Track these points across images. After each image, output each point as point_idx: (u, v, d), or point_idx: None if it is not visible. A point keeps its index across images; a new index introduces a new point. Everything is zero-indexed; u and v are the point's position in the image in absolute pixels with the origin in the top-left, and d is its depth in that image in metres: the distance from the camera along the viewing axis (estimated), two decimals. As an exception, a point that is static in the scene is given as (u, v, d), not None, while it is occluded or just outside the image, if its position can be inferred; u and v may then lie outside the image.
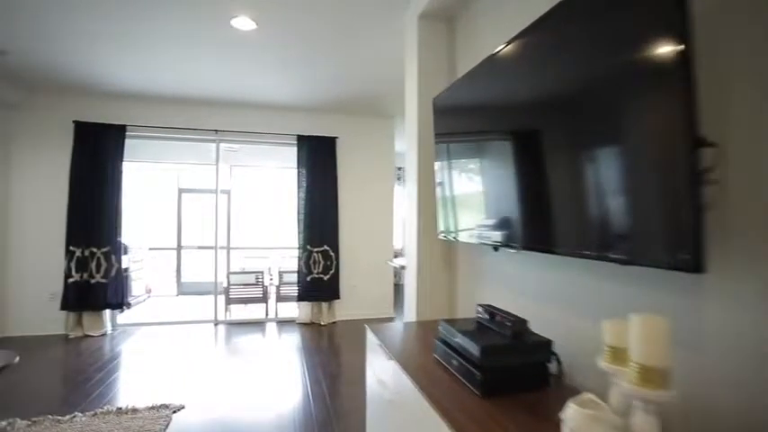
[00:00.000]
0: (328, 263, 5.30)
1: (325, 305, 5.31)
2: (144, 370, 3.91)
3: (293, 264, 7.16)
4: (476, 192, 1.91)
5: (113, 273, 4.91)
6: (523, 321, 1.40)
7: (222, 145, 5.54)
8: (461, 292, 2.42)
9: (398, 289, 6.07)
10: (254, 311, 5.79)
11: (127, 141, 5.08)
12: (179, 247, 7.87)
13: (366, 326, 2.19)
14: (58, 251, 4.83)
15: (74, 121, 4.86)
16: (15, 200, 4.90)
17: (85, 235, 4.82)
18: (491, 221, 1.77)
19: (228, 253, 7.91)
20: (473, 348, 1.33)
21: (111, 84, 4.61)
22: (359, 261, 5.64)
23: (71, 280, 4.76)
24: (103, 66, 4.11)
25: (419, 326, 2.24)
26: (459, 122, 2.13)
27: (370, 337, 2.10)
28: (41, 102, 4.94)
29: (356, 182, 5.70)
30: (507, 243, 1.65)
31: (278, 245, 8.31)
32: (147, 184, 8.17)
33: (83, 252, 4.80)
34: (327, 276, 5.29)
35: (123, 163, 5.04)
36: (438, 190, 2.27)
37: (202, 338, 4.90)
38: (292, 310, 5.65)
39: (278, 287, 5.63)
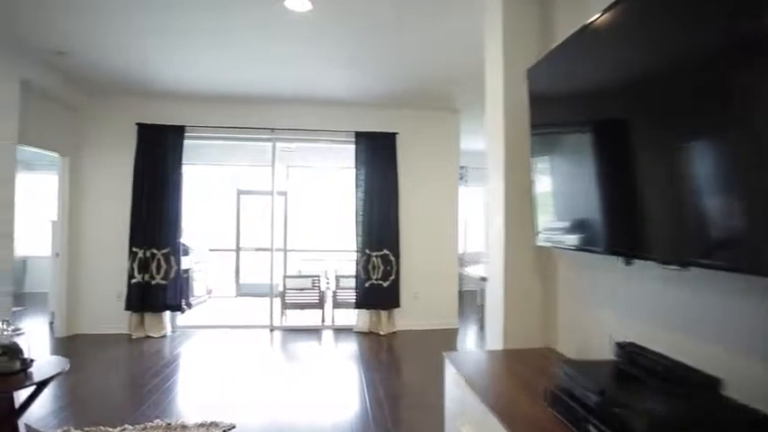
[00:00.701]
0: (388, 268, 4.93)
1: (384, 314, 4.94)
2: (198, 378, 3.76)
3: (351, 268, 6.89)
4: (605, 184, 1.41)
5: (173, 274, 4.86)
6: (715, 382, 0.91)
7: (278, 144, 5.36)
8: (564, 314, 1.91)
9: (463, 297, 5.57)
10: (310, 317, 5.56)
11: (186, 142, 5.04)
12: (237, 249, 7.89)
13: (444, 355, 1.77)
14: (124, 252, 4.86)
15: (137, 123, 4.89)
16: (86, 200, 5.01)
17: (147, 236, 4.81)
18: (629, 224, 1.27)
19: (285, 255, 7.84)
20: (635, 420, 0.87)
21: (170, 85, 4.56)
22: (420, 267, 5.22)
23: (134, 281, 4.78)
24: (161, 65, 4.04)
25: (511, 357, 1.78)
26: (566, 103, 1.65)
27: (451, 371, 1.67)
28: (107, 104, 5.02)
29: (418, 181, 5.28)
30: (667, 256, 1.15)
31: (335, 248, 8.11)
32: (207, 186, 8.29)
33: (144, 253, 4.80)
34: (387, 283, 4.91)
35: (183, 164, 5.00)
36: (538, 186, 1.80)
37: (258, 345, 4.72)
38: (349, 317, 5.35)
39: (335, 293, 5.35)
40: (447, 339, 4.95)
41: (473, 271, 5.66)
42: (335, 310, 5.36)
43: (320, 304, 5.32)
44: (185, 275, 6.60)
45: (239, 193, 7.89)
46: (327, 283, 5.82)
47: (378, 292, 4.91)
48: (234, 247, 7.89)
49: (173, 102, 5.02)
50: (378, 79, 4.34)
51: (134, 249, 4.79)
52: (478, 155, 7.86)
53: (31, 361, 2.39)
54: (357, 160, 5.07)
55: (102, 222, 5.01)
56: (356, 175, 5.07)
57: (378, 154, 5.03)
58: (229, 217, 7.97)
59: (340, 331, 5.19)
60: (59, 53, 3.76)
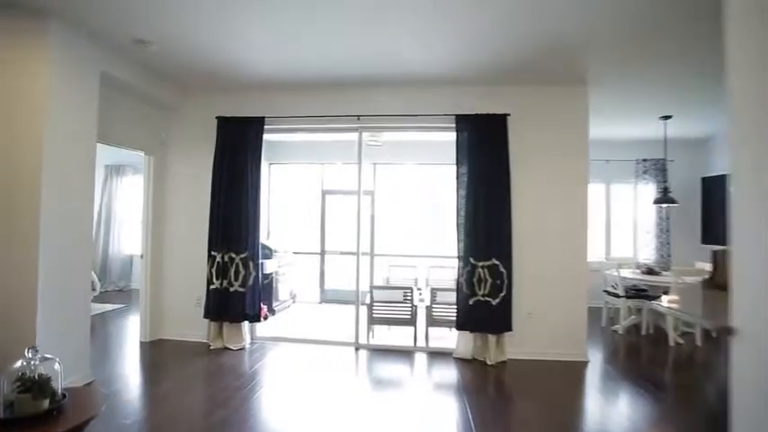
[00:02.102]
0: (498, 282, 3.96)
1: (492, 338, 3.98)
2: (275, 404, 3.20)
3: (446, 275, 6.03)
4: None
5: (251, 281, 4.41)
6: None
7: (365, 139, 4.68)
8: None
9: (590, 317, 4.39)
10: (400, 335, 4.80)
11: (267, 138, 4.58)
12: (322, 252, 7.44)
13: None
14: (205, 255, 4.53)
15: (216, 118, 4.53)
16: (170, 199, 4.79)
17: (224, 239, 4.42)
18: None
19: (372, 261, 7.21)
20: None
21: (250, 73, 4.12)
22: (538, 281, 4.17)
23: (212, 287, 4.41)
24: (242, 51, 3.64)
25: None
26: None
27: None
28: (189, 99, 4.75)
29: (535, 174, 4.24)
30: None
31: (427, 253, 7.29)
32: (291, 187, 7.99)
33: (222, 257, 4.41)
34: (497, 300, 3.95)
35: (262, 161, 4.55)
36: None
37: (341, 366, 4.06)
38: (447, 338, 4.48)
39: (430, 308, 4.51)
40: (573, 376, 3.85)
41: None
42: (430, 328, 4.52)
43: (412, 321, 4.53)
44: (267, 280, 6.26)
45: (324, 193, 7.44)
46: (421, 295, 5.01)
47: (484, 310, 3.96)
48: (318, 251, 7.45)
49: (252, 92, 4.60)
50: (484, 47, 3.43)
51: (212, 253, 4.43)
52: (603, 145, 6.12)
53: (64, 396, 1.90)
54: (458, 150, 4.19)
55: (184, 223, 4.76)
56: (457, 167, 4.19)
57: (484, 141, 4.09)
58: (314, 218, 7.55)
59: (435, 355, 4.34)
60: (138, 42, 3.45)
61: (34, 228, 2.98)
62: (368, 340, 4.60)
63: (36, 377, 1.81)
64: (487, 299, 3.94)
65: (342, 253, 7.41)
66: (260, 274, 4.51)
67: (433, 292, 4.51)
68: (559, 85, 4.21)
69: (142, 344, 4.57)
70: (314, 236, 7.51)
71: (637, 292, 5.27)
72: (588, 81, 4.15)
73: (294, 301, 7.21)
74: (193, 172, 4.71)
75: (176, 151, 4.80)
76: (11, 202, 3.03)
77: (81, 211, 3.39)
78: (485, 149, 4.07)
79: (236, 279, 4.38)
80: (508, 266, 3.98)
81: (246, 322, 4.49)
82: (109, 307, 6.40)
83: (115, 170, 8.05)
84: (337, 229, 7.56)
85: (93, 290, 6.45)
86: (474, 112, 4.15)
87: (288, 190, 7.92)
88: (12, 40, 3.03)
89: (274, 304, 6.39)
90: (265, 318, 5.95)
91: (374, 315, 4.60)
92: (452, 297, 4.26)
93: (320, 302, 7.35)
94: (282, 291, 6.74)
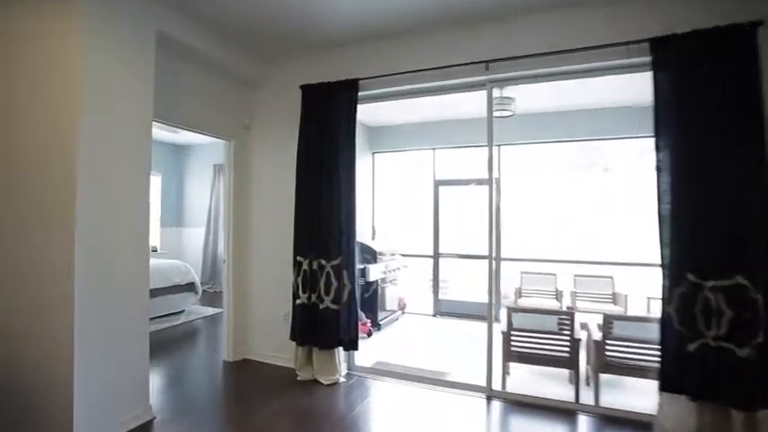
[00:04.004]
0: (747, 316, 2.25)
1: (737, 416, 2.28)
2: None
3: (599, 288, 4.42)
4: None
5: (345, 296, 3.37)
6: None
7: (496, 95, 3.31)
8: None
9: None
10: (553, 383, 3.35)
11: (362, 108, 3.50)
12: (436, 255, 6.21)
13: None
14: (290, 260, 3.65)
15: (300, 87, 3.59)
16: (254, 193, 4.03)
17: (312, 241, 3.45)
18: None
19: (498, 266, 5.75)
20: None
21: (338, 19, 3.06)
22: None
23: (298, 301, 3.48)
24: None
25: None
26: None
27: None
28: (274, 73, 3.91)
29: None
30: None
31: (573, 257, 5.60)
32: (398, 177, 6.90)
33: (310, 264, 3.45)
34: (746, 349, 2.24)
35: (365, 150, 3.48)
36: None
37: (465, 427, 2.77)
38: (634, 396, 2.91)
39: (600, 344, 2.95)
40: None
41: None
42: (602, 375, 2.97)
43: (571, 362, 3.03)
44: (372, 289, 5.25)
45: (437, 183, 6.19)
46: (583, 325, 3.45)
47: (721, 364, 2.27)
48: (431, 253, 6.24)
49: (343, 49, 3.56)
50: None
51: (298, 258, 3.50)
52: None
53: None
54: (657, 100, 2.56)
55: (271, 221, 3.94)
56: (656, 127, 2.56)
57: (712, 78, 2.39)
58: (425, 214, 6.36)
59: (613, 423, 2.78)
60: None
61: (68, 234, 2.29)
62: (504, 385, 3.23)
63: None
64: (727, 345, 2.26)
65: (460, 256, 6.09)
66: (357, 286, 3.44)
67: (608, 321, 2.93)
68: None
69: (225, 364, 3.86)
70: (425, 235, 6.32)
71: None
72: None
73: (403, 312, 6.11)
74: (280, 160, 3.86)
75: (261, 136, 4.01)
76: (42, 204, 2.40)
77: (131, 212, 2.65)
78: (712, 93, 2.39)
79: (328, 293, 3.38)
80: (764, 290, 2.24)
81: (341, 349, 3.47)
82: (210, 311, 6.04)
83: (221, 169, 7.87)
84: (454, 227, 6.26)
85: (195, 293, 6.19)
86: (686, 30, 2.48)
87: (395, 181, 6.85)
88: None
89: (380, 316, 5.37)
90: (369, 334, 4.96)
91: (513, 349, 3.21)
92: (649, 331, 2.67)
93: (434, 315, 6.13)
94: (390, 299, 5.69)
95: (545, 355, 3.09)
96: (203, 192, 8.12)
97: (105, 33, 2.45)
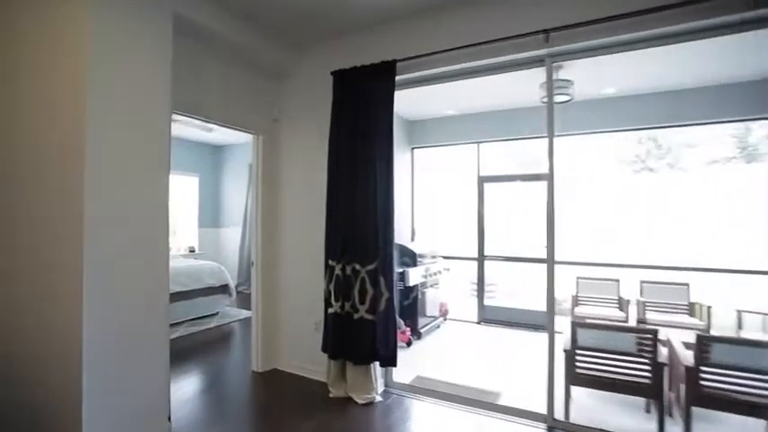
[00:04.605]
0: None
1: None
2: None
3: (673, 297, 3.84)
4: None
5: (382, 305, 2.99)
6: None
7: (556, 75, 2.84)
8: None
9: None
10: (627, 411, 2.83)
11: (399, 95, 3.12)
12: (481, 257, 5.72)
13: None
14: (322, 263, 3.33)
15: (332, 73, 3.26)
16: (284, 190, 3.75)
17: (345, 244, 3.11)
18: None
19: (551, 271, 5.13)
20: None
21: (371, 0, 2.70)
22: None
23: (331, 309, 3.15)
24: None
25: None
26: None
27: None
28: (306, 61, 3.61)
29: None
30: None
31: (637, 260, 4.96)
32: (439, 174, 6.46)
33: (343, 269, 3.10)
34: None
35: (403, 144, 3.09)
36: None
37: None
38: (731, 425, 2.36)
39: (693, 370, 2.41)
40: None
41: None
42: (694, 408, 2.43)
43: (654, 390, 2.51)
44: (412, 296, 4.86)
45: (481, 180, 5.70)
46: (663, 342, 2.89)
47: None
48: (475, 255, 5.76)
49: (377, 32, 3.20)
50: None
51: (330, 262, 3.16)
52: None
53: None
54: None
55: (301, 221, 3.64)
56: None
57: None
58: (468, 213, 5.89)
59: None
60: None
61: (75, 242, 2.06)
62: (567, 413, 2.74)
63: None
64: None
65: (507, 259, 5.58)
66: (395, 294, 3.06)
67: (703, 342, 2.39)
68: None
69: (254, 374, 3.60)
70: (469, 235, 5.84)
71: None
72: None
73: (445, 319, 5.68)
74: (311, 155, 3.55)
75: (290, 130, 3.72)
76: (46, 203, 2.19)
77: (148, 214, 2.40)
78: None
79: (362, 301, 3.03)
80: None
81: (377, 364, 3.11)
82: (245, 313, 5.85)
83: (258, 168, 7.74)
84: (500, 227, 5.76)
85: (229, 295, 6.04)
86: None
87: (435, 179, 6.43)
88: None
89: (420, 323, 4.97)
90: (409, 343, 4.58)
91: (578, 371, 2.72)
92: (758, 358, 2.12)
93: (478, 322, 5.65)
94: (430, 304, 5.28)
95: (619, 380, 2.59)
96: (240, 191, 8.02)
97: (117, 14, 2.20)
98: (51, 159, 2.17)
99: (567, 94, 3.74)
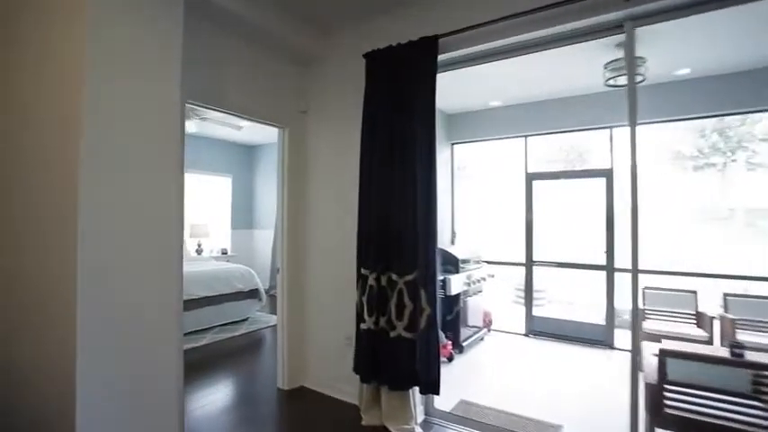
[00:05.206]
0: None
1: None
2: None
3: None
4: None
5: (423, 322, 2.56)
6: None
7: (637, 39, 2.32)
8: None
9: None
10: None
11: (442, 79, 2.68)
12: (529, 262, 5.17)
13: None
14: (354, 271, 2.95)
15: (364, 56, 2.87)
16: (312, 189, 3.40)
17: (380, 250, 2.70)
18: None
19: (611, 278, 4.54)
20: None
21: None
22: None
23: (363, 325, 2.75)
24: None
25: None
26: None
27: None
28: (336, 45, 3.24)
29: None
30: None
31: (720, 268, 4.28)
32: (482, 170, 5.95)
33: (377, 279, 2.70)
34: None
35: (443, 140, 2.64)
36: None
37: None
38: None
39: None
40: None
41: None
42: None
43: (773, 440, 1.95)
44: (456, 310, 4.40)
45: (530, 177, 5.16)
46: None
47: None
48: (523, 260, 5.22)
49: (417, 5, 2.78)
50: None
51: (363, 271, 2.77)
52: None
53: None
54: None
55: (332, 224, 3.28)
56: None
57: None
58: (514, 213, 5.36)
59: None
60: None
61: (67, 250, 1.77)
62: (654, 462, 2.21)
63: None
64: None
65: (560, 265, 5.01)
66: (438, 308, 2.62)
67: None
68: None
69: (279, 392, 3.27)
70: (514, 237, 5.31)
71: None
72: None
73: (489, 330, 5.18)
74: (342, 149, 3.19)
75: (318, 122, 3.37)
76: (39, 203, 1.92)
77: (157, 218, 2.08)
78: None
79: (400, 317, 2.61)
80: None
81: (416, 389, 2.68)
82: (275, 319, 5.58)
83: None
84: (551, 229, 5.20)
85: (260, 299, 5.78)
86: None
87: (478, 176, 5.93)
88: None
89: (462, 335, 4.50)
90: (450, 358, 4.13)
91: (667, 411, 2.19)
92: None
93: (526, 334, 5.11)
94: (472, 313, 4.79)
95: (727, 427, 2.04)
96: (272, 192, 7.81)
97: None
98: (45, 157, 1.90)
99: (640, 74, 3.17)
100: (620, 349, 4.42)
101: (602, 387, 3.50)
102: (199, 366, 3.83)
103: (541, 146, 5.41)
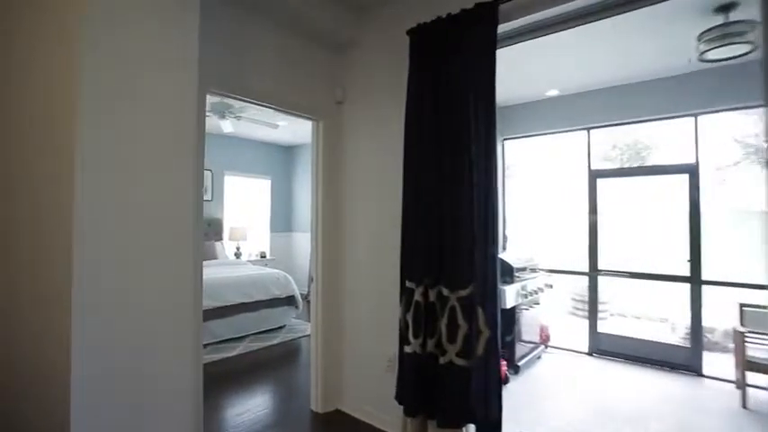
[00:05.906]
0: None
1: None
2: None
3: None
4: None
5: (481, 347, 2.12)
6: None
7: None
8: None
9: None
10: None
11: (503, 54, 2.23)
12: (593, 272, 4.57)
13: None
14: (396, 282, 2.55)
15: (408, 32, 2.47)
16: (351, 189, 3.05)
17: (428, 259, 2.28)
18: None
19: (698, 292, 3.85)
20: None
21: None
22: None
23: (408, 348, 2.34)
24: None
25: None
26: None
27: None
28: (374, 27, 2.88)
29: None
30: None
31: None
32: (535, 168, 5.40)
33: (425, 294, 2.28)
34: None
35: (496, 107, 2.18)
36: None
37: None
38: None
39: None
40: None
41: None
42: None
43: None
44: (514, 330, 3.90)
45: (594, 175, 4.56)
46: None
47: None
48: (585, 269, 4.63)
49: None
50: None
51: (408, 284, 2.36)
52: None
53: None
54: None
55: (369, 228, 2.91)
56: None
57: None
58: (574, 216, 4.78)
59: None
60: None
61: (63, 256, 1.49)
62: None
63: None
64: None
65: (633, 275, 4.38)
66: (498, 331, 2.17)
67: None
68: None
69: (312, 415, 2.92)
70: (575, 242, 4.72)
71: None
72: None
73: (546, 347, 4.62)
74: (383, 143, 2.80)
75: (355, 113, 3.00)
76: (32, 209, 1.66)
77: (171, 223, 1.77)
78: None
79: (452, 340, 2.18)
80: None
81: (472, 427, 2.24)
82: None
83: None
84: (617, 233, 4.58)
85: (296, 306, 5.50)
86: None
87: (532, 174, 5.39)
88: None
89: (518, 353, 3.99)
90: (505, 381, 3.64)
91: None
92: None
93: (590, 353, 4.50)
94: (527, 328, 4.26)
95: None
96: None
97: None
98: (45, 156, 1.64)
99: (749, 42, 2.57)
100: (711, 377, 3.74)
101: (693, 425, 2.90)
102: (229, 379, 3.57)
103: (605, 140, 4.80)
